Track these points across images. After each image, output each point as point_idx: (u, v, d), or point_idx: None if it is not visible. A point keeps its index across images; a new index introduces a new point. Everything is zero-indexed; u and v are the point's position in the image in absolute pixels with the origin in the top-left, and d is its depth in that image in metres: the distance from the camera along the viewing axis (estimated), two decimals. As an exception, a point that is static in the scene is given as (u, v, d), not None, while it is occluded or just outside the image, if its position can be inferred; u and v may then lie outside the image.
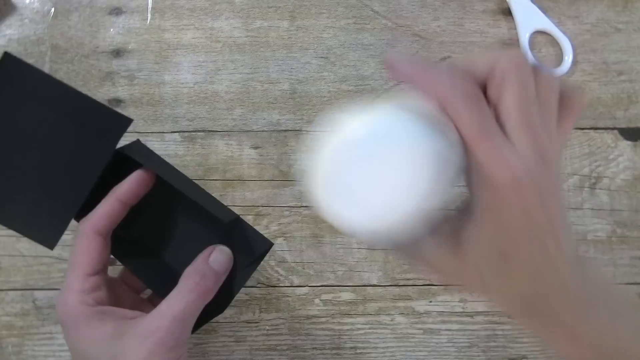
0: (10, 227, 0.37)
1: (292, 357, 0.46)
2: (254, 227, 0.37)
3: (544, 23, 0.51)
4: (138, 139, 0.39)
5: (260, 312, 0.46)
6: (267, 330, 0.46)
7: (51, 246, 0.37)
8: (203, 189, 0.38)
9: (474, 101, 0.24)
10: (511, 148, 0.24)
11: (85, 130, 0.36)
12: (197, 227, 0.38)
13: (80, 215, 0.37)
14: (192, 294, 0.34)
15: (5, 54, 0.35)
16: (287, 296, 0.46)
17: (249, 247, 0.37)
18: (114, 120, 0.37)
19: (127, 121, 0.37)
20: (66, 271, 0.36)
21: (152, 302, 0.39)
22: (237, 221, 0.37)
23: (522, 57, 0.25)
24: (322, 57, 0.50)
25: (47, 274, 0.46)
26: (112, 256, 0.37)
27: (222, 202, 0.38)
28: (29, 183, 0.37)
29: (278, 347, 0.46)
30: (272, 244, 0.37)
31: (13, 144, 0.36)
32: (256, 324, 0.46)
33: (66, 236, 0.46)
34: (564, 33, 0.50)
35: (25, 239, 0.45)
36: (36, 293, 0.45)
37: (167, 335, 0.33)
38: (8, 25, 0.49)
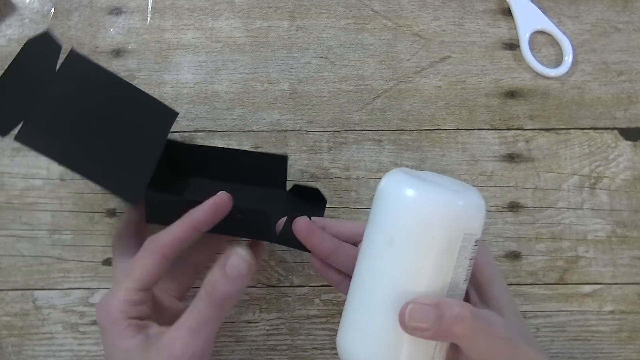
0: (96, 182, 0.39)
1: (292, 357, 0.46)
2: None
3: (544, 23, 0.51)
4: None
5: (260, 312, 0.46)
6: (267, 330, 0.46)
7: (135, 202, 0.39)
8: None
9: None
10: None
11: (136, 121, 0.40)
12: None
13: (153, 183, 0.39)
14: (204, 306, 0.34)
15: (72, 50, 0.39)
16: (287, 296, 0.46)
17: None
18: (161, 113, 0.41)
19: (174, 114, 0.42)
20: (118, 276, 0.36)
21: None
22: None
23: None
24: (322, 57, 0.50)
25: (47, 274, 0.46)
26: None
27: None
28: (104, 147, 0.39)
29: (278, 347, 0.46)
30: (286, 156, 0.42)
31: (73, 135, 0.39)
32: (256, 324, 0.46)
33: (66, 236, 0.46)
34: (564, 33, 0.50)
35: (26, 239, 0.46)
36: (36, 293, 0.45)
37: (181, 348, 0.33)
38: (8, 25, 0.49)
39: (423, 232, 0.31)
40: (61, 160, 0.38)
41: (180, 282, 0.41)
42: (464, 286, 0.33)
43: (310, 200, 0.43)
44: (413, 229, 0.31)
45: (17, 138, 0.37)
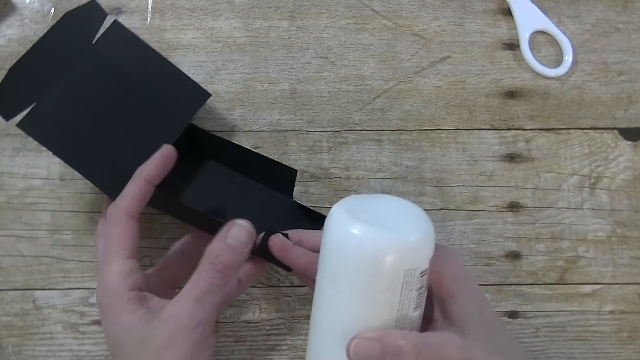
0: (80, 172, 0.39)
1: (292, 357, 0.46)
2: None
3: (544, 23, 0.51)
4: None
5: (260, 312, 0.46)
6: (267, 330, 0.46)
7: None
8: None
9: None
10: None
11: (167, 96, 0.41)
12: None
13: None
14: (208, 274, 0.34)
15: (115, 21, 0.41)
16: (287, 296, 0.46)
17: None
18: (193, 92, 0.42)
19: (205, 95, 0.43)
20: (103, 257, 0.37)
21: None
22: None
23: None
24: (322, 57, 0.50)
25: (47, 274, 0.46)
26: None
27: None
28: (102, 139, 0.40)
29: (278, 347, 0.46)
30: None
31: (96, 102, 0.40)
32: (256, 324, 0.46)
33: (66, 236, 0.46)
34: (564, 33, 0.50)
35: (26, 239, 0.46)
36: (36, 293, 0.45)
37: (188, 317, 0.33)
38: (8, 25, 0.49)
39: (361, 273, 0.31)
40: (59, 153, 0.39)
41: (174, 272, 0.41)
42: (415, 314, 0.33)
43: (311, 216, 0.43)
44: (351, 269, 0.32)
45: (20, 125, 0.38)
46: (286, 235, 0.38)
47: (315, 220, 0.43)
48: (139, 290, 0.35)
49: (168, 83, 0.42)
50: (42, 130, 0.39)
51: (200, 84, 0.48)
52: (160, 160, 0.38)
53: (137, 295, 0.35)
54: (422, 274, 0.32)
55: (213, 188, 0.43)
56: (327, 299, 0.33)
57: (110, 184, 0.39)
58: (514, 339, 0.38)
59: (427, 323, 0.35)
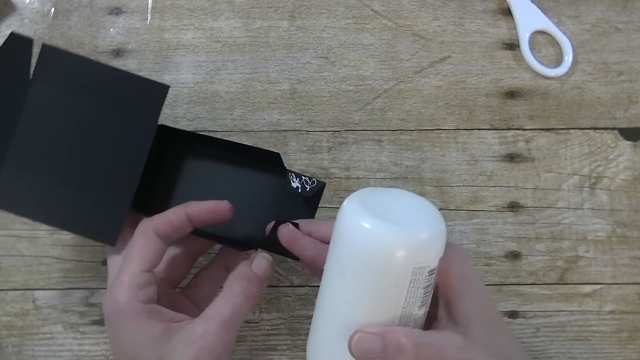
0: (66, 229, 0.38)
1: (292, 357, 0.46)
2: None
3: (544, 23, 0.51)
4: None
5: (260, 312, 0.46)
6: (267, 330, 0.46)
7: (113, 243, 0.37)
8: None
9: None
10: None
11: (124, 109, 0.38)
12: (250, 177, 0.42)
13: (137, 202, 0.37)
14: (238, 298, 0.34)
15: (43, 45, 0.37)
16: (287, 296, 0.46)
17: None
18: (150, 90, 0.38)
19: (164, 88, 0.38)
20: (113, 269, 0.36)
21: (187, 296, 0.40)
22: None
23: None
24: (322, 57, 0.50)
25: (47, 274, 0.46)
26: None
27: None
28: (78, 181, 0.38)
29: (278, 347, 0.46)
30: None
31: (58, 142, 0.37)
32: (256, 324, 0.46)
33: (66, 236, 0.46)
34: (564, 33, 0.50)
35: (26, 239, 0.46)
36: (36, 293, 0.45)
37: (215, 341, 0.33)
38: (8, 25, 0.49)
39: (370, 267, 0.31)
40: (41, 219, 0.37)
41: (179, 271, 0.41)
42: (420, 312, 0.33)
43: (305, 199, 0.43)
44: (361, 264, 0.31)
45: None
46: (297, 225, 0.38)
47: (314, 196, 0.42)
48: (150, 303, 0.34)
49: (122, 90, 0.38)
50: (14, 201, 0.37)
51: (200, 84, 0.49)
52: (211, 206, 0.37)
53: (149, 308, 0.34)
54: (431, 272, 0.32)
55: (202, 183, 0.42)
56: (333, 291, 0.33)
57: (103, 231, 0.38)
58: (516, 341, 0.38)
59: (431, 321, 0.35)
